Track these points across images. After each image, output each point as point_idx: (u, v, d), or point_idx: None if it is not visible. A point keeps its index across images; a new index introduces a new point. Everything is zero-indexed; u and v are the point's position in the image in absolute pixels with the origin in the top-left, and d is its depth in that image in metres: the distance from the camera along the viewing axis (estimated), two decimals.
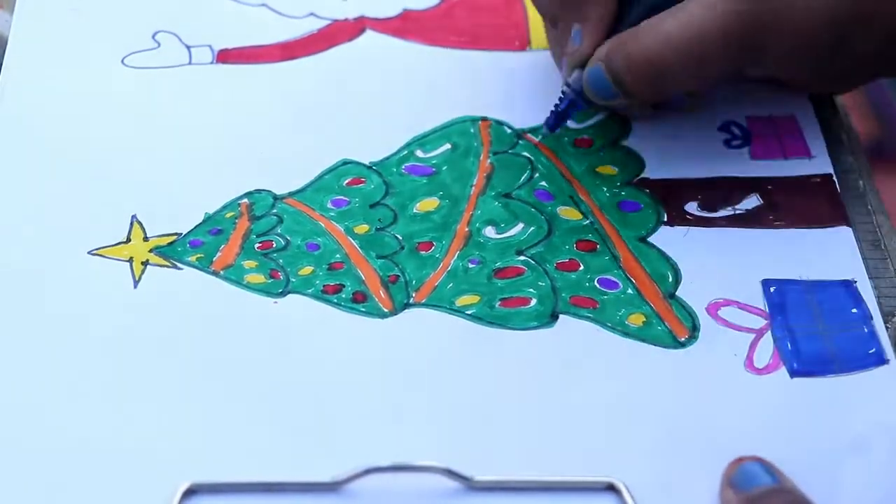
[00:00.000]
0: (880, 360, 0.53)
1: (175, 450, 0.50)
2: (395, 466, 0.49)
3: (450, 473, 0.49)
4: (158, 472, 0.49)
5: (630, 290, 0.55)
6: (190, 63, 0.65)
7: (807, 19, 0.56)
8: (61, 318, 0.53)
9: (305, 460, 0.50)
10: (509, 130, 0.62)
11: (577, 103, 0.59)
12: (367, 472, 0.49)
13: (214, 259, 0.56)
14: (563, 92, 0.59)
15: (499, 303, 0.55)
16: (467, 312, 0.54)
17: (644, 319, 0.54)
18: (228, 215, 0.57)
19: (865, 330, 0.54)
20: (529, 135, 0.61)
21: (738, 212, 0.59)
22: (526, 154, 0.61)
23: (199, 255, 0.56)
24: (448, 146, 0.61)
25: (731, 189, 0.59)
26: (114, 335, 0.53)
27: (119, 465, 0.49)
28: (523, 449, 0.50)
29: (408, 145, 0.61)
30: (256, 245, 0.56)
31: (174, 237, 0.57)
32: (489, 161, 0.60)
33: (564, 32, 0.59)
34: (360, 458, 0.49)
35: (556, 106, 0.60)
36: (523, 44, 0.66)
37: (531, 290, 0.55)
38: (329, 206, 0.58)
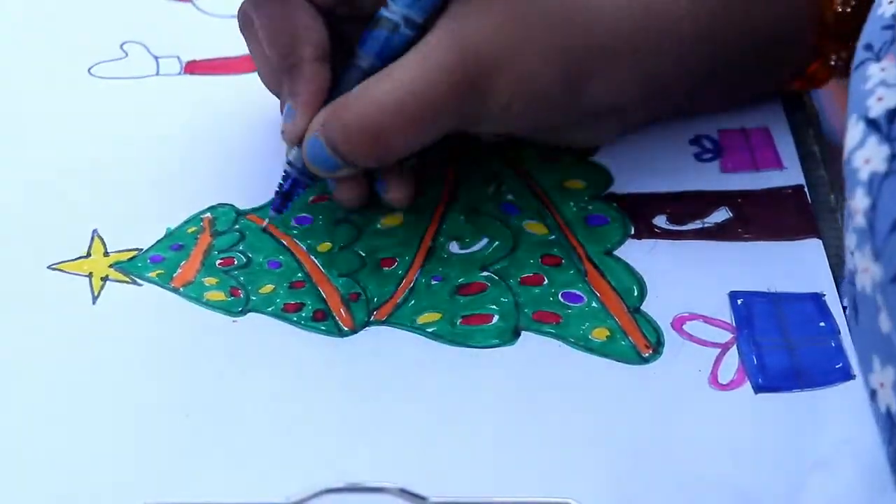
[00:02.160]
0: (846, 375, 0.53)
1: (130, 470, 0.49)
2: (350, 487, 0.48)
3: (405, 494, 0.48)
4: (113, 492, 0.49)
5: (594, 304, 0.55)
6: (157, 74, 0.64)
7: (534, 63, 0.53)
8: (18, 331, 0.53)
9: (261, 480, 0.49)
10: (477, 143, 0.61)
11: (301, 181, 0.56)
12: (322, 492, 0.48)
13: (175, 275, 0.55)
14: (285, 171, 0.56)
15: (461, 320, 0.54)
16: (428, 330, 0.54)
17: (608, 334, 0.54)
18: (190, 230, 0.57)
19: (833, 344, 0.54)
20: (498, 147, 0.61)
21: (706, 225, 0.58)
22: (493, 166, 0.60)
23: (159, 272, 0.55)
24: (415, 159, 0.60)
25: (701, 203, 0.59)
26: (71, 351, 0.53)
27: (73, 485, 0.49)
28: (482, 469, 0.50)
29: None
30: (218, 262, 0.56)
31: (135, 252, 0.56)
32: (456, 174, 0.60)
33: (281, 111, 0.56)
34: (317, 477, 0.48)
35: (280, 186, 0.56)
36: None
37: (493, 306, 0.55)
38: (293, 223, 0.58)
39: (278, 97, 0.58)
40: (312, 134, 0.54)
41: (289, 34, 0.54)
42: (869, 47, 0.49)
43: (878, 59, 0.48)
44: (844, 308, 0.55)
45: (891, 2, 0.47)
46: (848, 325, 0.54)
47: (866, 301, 0.45)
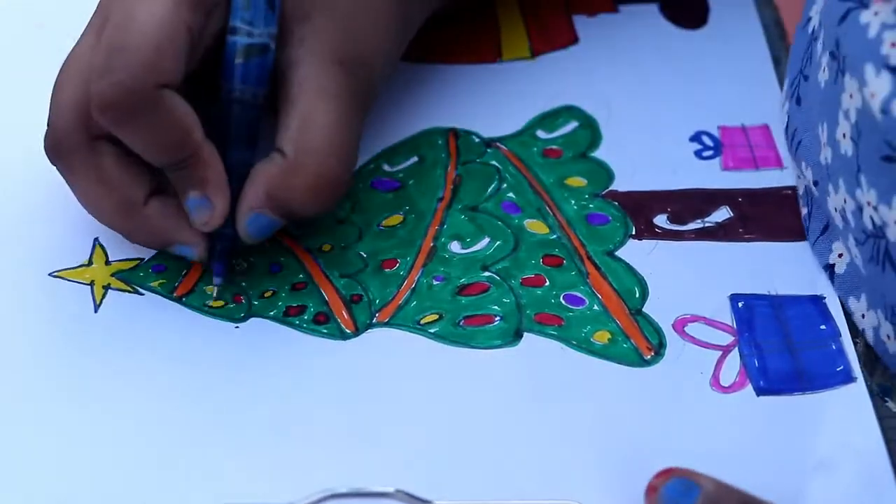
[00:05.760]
0: (848, 377, 0.53)
1: (133, 475, 0.50)
2: (354, 492, 0.49)
3: (409, 497, 0.49)
4: (116, 496, 0.49)
5: (596, 307, 0.55)
6: None
7: (384, 30, 0.57)
8: (20, 339, 0.53)
9: (266, 485, 0.49)
10: (477, 140, 0.61)
11: (235, 241, 0.54)
12: (327, 497, 0.48)
13: (177, 285, 0.55)
14: (217, 235, 0.54)
15: (463, 320, 0.54)
16: (431, 331, 0.54)
17: (610, 336, 0.54)
18: None
19: (833, 347, 0.54)
20: (499, 143, 0.61)
21: (707, 224, 0.58)
22: (494, 163, 0.60)
23: (161, 281, 0.55)
24: (416, 159, 0.60)
25: (702, 201, 0.59)
26: (73, 359, 0.53)
27: (76, 490, 0.49)
28: (485, 471, 0.50)
29: (375, 158, 0.60)
30: None
31: (137, 262, 0.56)
32: (457, 172, 0.60)
33: (171, 207, 0.54)
34: (321, 481, 0.49)
35: (217, 252, 0.54)
36: (495, 56, 0.65)
37: (496, 307, 0.55)
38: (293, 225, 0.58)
39: (123, 231, 0.55)
40: (253, 212, 0.53)
41: (176, 128, 0.51)
42: None
43: (864, 5, 0.48)
44: (830, 265, 0.55)
45: None
46: (849, 278, 0.54)
47: None
